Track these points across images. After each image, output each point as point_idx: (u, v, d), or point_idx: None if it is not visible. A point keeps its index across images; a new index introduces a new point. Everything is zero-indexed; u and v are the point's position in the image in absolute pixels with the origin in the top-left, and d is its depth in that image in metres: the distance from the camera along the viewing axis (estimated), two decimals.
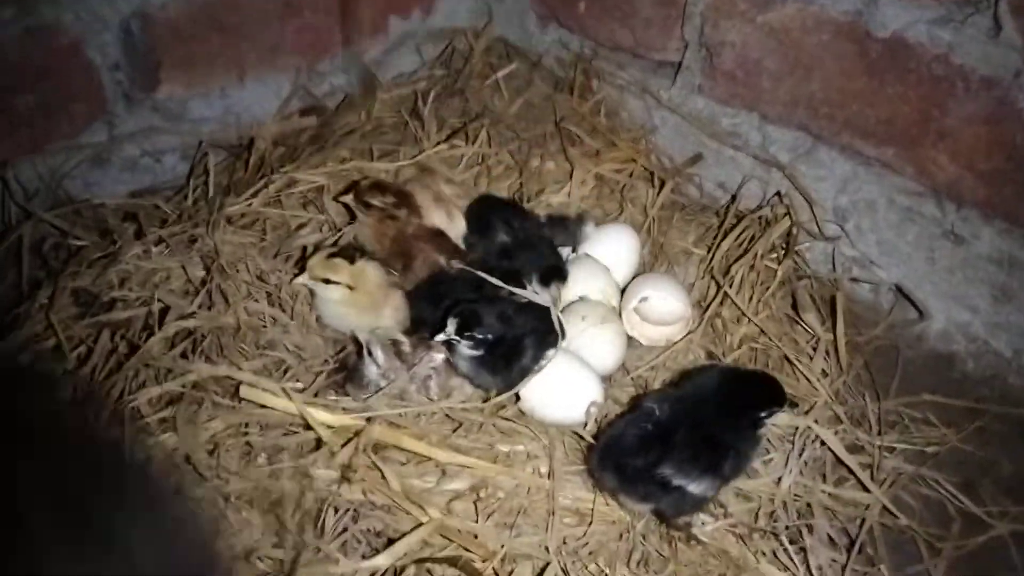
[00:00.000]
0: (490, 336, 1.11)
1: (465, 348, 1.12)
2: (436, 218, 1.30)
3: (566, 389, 1.15)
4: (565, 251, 1.37)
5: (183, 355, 1.06)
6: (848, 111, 1.30)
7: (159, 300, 1.07)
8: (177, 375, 1.02)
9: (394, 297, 1.21)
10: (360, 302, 1.15)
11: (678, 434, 0.96)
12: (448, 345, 1.13)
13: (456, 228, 1.33)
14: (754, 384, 1.08)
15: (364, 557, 0.91)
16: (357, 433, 0.95)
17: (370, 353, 1.07)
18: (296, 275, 1.15)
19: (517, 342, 1.13)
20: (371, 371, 1.08)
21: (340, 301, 1.14)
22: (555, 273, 1.27)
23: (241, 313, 1.10)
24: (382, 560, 0.89)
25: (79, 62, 1.33)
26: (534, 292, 1.21)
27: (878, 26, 1.23)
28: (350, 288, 1.13)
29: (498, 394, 1.12)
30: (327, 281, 1.13)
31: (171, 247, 1.15)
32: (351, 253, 1.15)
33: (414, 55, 1.72)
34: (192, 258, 1.14)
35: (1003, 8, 1.10)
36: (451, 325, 1.11)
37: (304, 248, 1.26)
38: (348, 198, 1.25)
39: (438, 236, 1.27)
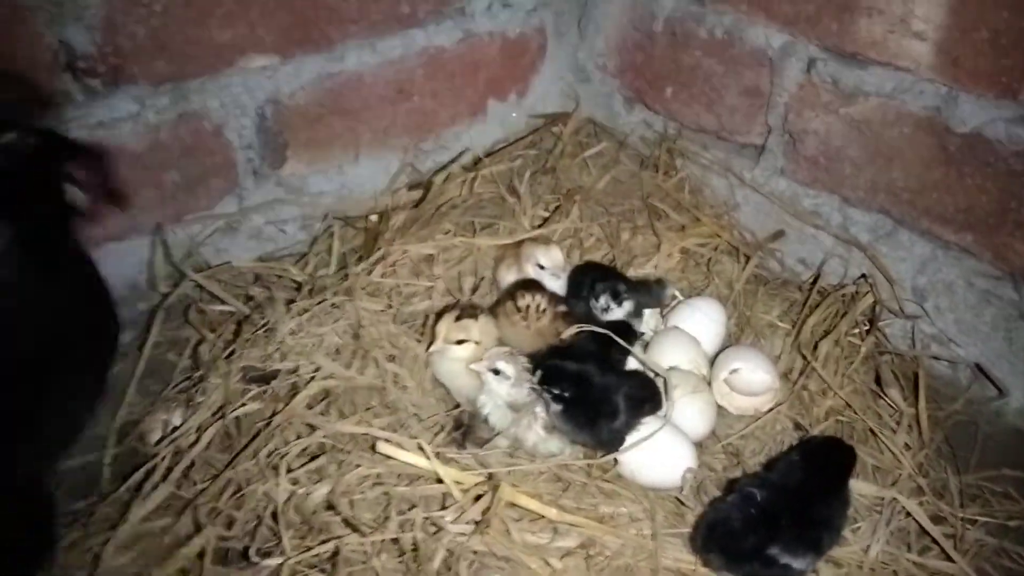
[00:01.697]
0: (567, 393, 1.20)
1: (549, 400, 1.21)
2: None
3: (663, 455, 1.23)
4: (649, 313, 1.48)
5: (321, 413, 1.18)
6: (928, 198, 1.39)
7: (312, 363, 1.19)
8: (318, 430, 1.13)
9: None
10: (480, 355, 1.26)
11: (782, 516, 1.05)
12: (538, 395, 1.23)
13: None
14: (837, 456, 1.16)
15: None
16: (493, 489, 1.05)
17: (497, 372, 1.19)
18: (430, 343, 1.26)
19: (602, 403, 1.22)
20: (501, 388, 1.20)
21: (468, 358, 1.25)
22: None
23: (372, 375, 1.22)
24: None
25: (219, 143, 1.48)
26: (640, 356, 1.31)
27: (957, 122, 1.32)
28: (477, 343, 1.24)
29: (602, 456, 1.22)
30: (459, 342, 1.24)
31: (316, 316, 1.27)
32: (473, 312, 1.27)
33: (509, 134, 1.85)
34: (338, 325, 1.26)
35: None
36: (537, 376, 1.21)
37: (425, 315, 1.38)
38: (501, 273, 1.42)
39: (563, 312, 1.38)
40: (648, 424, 1.24)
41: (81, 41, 1.28)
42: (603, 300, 1.38)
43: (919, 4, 1.29)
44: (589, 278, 1.43)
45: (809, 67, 1.47)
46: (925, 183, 1.39)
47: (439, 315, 1.30)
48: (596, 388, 1.22)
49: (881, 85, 1.39)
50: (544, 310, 1.33)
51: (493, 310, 1.37)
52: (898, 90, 1.37)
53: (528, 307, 1.32)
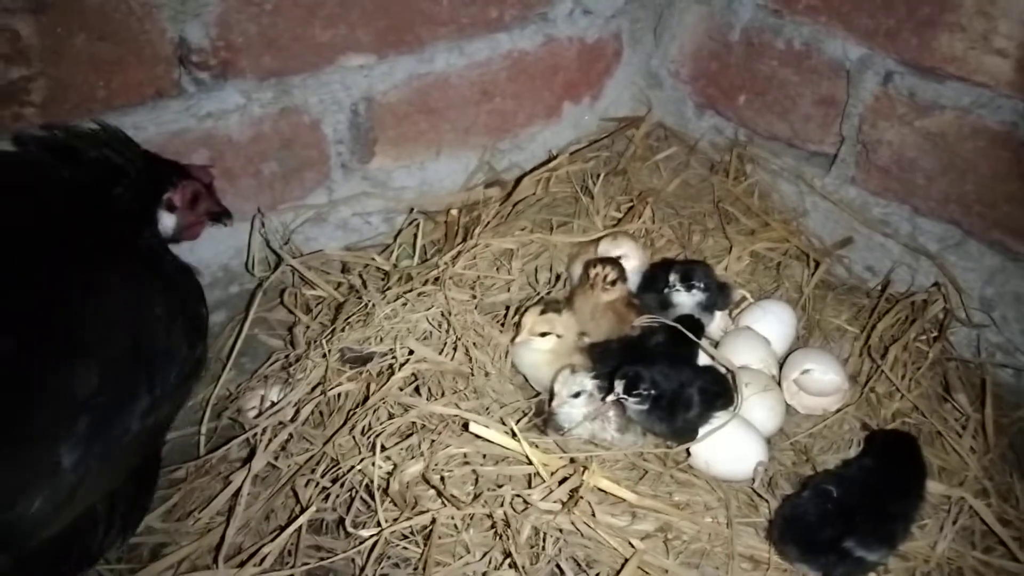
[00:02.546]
0: (652, 392, 1.25)
1: (633, 404, 1.27)
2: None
3: (735, 448, 1.28)
4: (719, 315, 1.53)
5: (412, 394, 1.25)
6: (999, 211, 1.43)
7: (405, 347, 1.27)
8: (411, 409, 1.21)
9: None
10: (561, 350, 1.32)
11: (857, 511, 1.10)
12: (618, 402, 1.28)
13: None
14: (908, 451, 1.21)
15: None
16: (580, 471, 1.11)
17: (578, 394, 1.25)
18: (515, 335, 1.33)
19: (679, 397, 1.27)
20: (576, 403, 1.26)
21: (550, 350, 1.31)
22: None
23: (459, 360, 1.29)
24: None
25: (316, 136, 1.56)
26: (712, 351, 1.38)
27: None
28: (559, 337, 1.31)
29: (676, 446, 1.27)
30: (543, 335, 1.30)
31: (409, 302, 1.35)
32: (557, 306, 1.33)
33: (582, 136, 1.91)
34: (430, 312, 1.33)
35: None
36: (619, 386, 1.26)
37: (504, 306, 1.44)
38: (575, 269, 1.47)
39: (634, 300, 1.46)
40: (720, 418, 1.29)
41: (197, 36, 1.36)
42: (673, 278, 1.44)
43: (1003, 21, 1.33)
44: (665, 268, 1.49)
45: (886, 80, 1.51)
46: (998, 196, 1.42)
47: (524, 309, 1.37)
48: (673, 385, 1.27)
49: (958, 99, 1.42)
50: (613, 281, 1.39)
51: (571, 297, 1.44)
52: (975, 104, 1.41)
53: (597, 275, 1.39)
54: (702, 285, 1.44)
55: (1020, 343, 1.45)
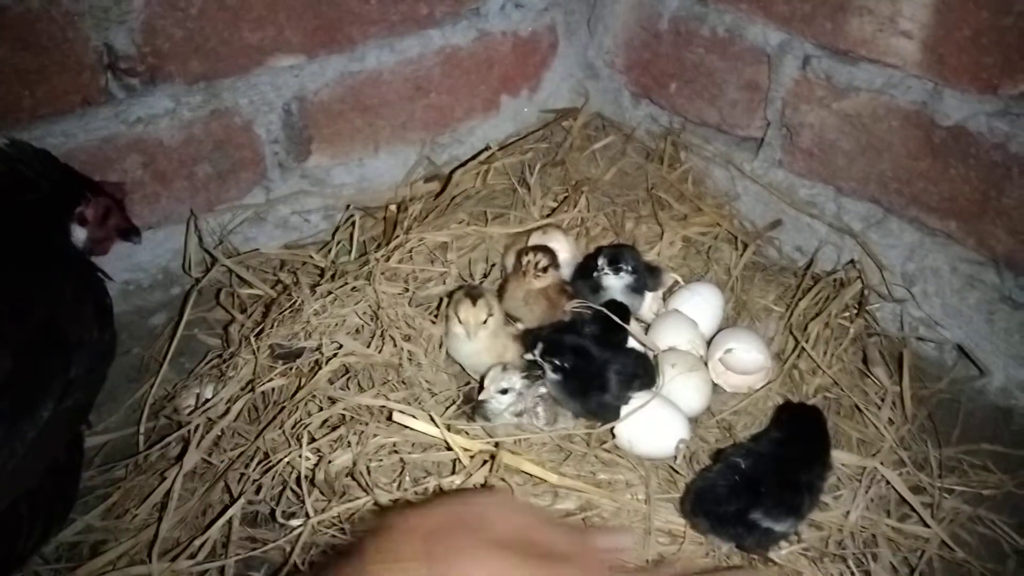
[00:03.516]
0: (566, 364, 1.30)
1: (548, 370, 1.31)
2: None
3: (658, 426, 1.32)
4: (652, 297, 1.57)
5: (342, 388, 1.28)
6: (915, 188, 1.46)
7: (334, 342, 1.30)
8: (339, 402, 1.24)
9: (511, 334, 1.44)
10: (496, 336, 1.37)
11: (764, 483, 1.14)
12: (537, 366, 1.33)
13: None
14: (813, 425, 1.25)
15: None
16: (492, 457, 1.15)
17: (505, 391, 1.28)
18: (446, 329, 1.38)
19: (596, 376, 1.32)
20: (503, 400, 1.29)
21: (490, 333, 1.35)
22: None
23: (389, 352, 1.32)
24: None
25: (249, 137, 1.58)
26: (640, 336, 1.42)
27: (942, 116, 1.39)
28: (490, 315, 1.35)
29: (600, 427, 1.31)
30: (485, 321, 1.34)
31: (338, 298, 1.38)
32: (480, 291, 1.38)
33: (521, 129, 1.94)
34: (359, 307, 1.36)
35: None
36: (538, 349, 1.31)
37: (439, 298, 1.47)
38: (509, 259, 1.50)
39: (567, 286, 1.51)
40: (641, 397, 1.32)
41: (123, 43, 1.39)
42: (601, 262, 1.47)
43: (906, 4, 1.36)
44: (595, 255, 1.52)
45: (804, 64, 1.54)
46: (912, 174, 1.46)
47: (447, 303, 1.40)
48: (591, 362, 1.31)
49: (871, 81, 1.46)
50: (545, 268, 1.44)
51: (504, 285, 1.49)
52: (887, 86, 1.44)
53: (528, 263, 1.43)
54: (629, 268, 1.48)
55: (940, 317, 1.49)
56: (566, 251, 1.57)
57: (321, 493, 1.19)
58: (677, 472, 1.26)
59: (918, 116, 1.42)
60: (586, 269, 1.54)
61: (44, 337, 1.06)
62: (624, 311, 1.43)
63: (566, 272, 1.55)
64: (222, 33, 1.47)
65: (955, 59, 1.36)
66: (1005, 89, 1.32)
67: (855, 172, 1.55)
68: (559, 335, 1.33)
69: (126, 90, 1.44)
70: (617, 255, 1.49)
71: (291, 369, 1.31)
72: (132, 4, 1.37)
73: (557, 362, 1.28)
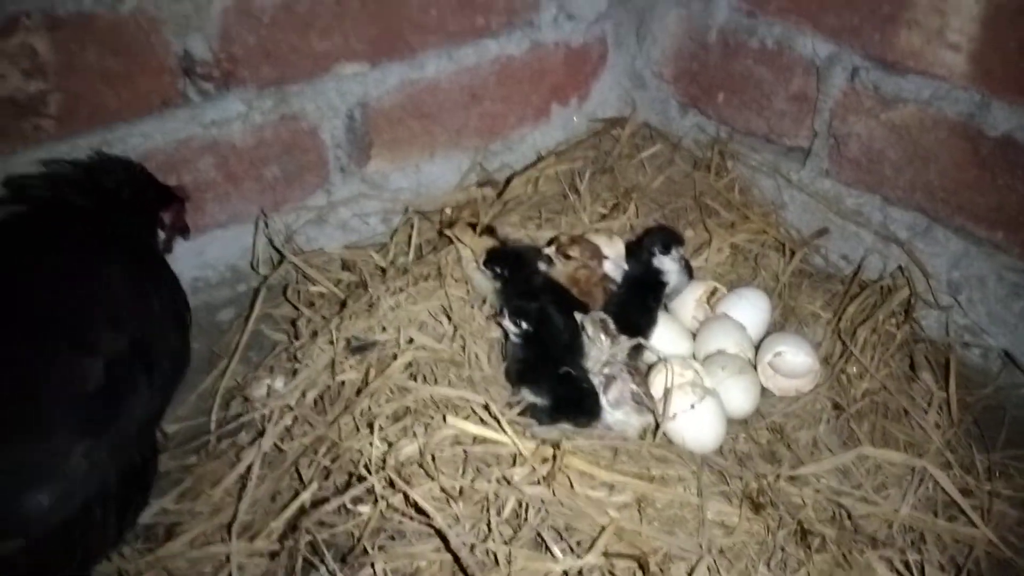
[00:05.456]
0: (528, 329, 1.39)
1: (511, 327, 1.40)
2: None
3: (707, 426, 1.37)
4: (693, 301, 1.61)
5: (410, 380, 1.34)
6: (962, 198, 1.50)
7: (410, 338, 1.37)
8: (410, 392, 1.30)
9: None
10: None
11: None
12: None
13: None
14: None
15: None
16: (554, 455, 1.20)
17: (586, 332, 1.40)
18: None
19: (547, 351, 1.40)
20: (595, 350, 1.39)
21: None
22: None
23: (455, 350, 1.38)
24: (591, 557, 1.12)
25: (314, 142, 1.65)
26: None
27: (989, 127, 1.43)
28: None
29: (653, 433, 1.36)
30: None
31: (410, 295, 1.45)
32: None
33: (571, 137, 1.99)
34: (430, 304, 1.43)
35: None
36: (508, 309, 1.41)
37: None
38: (551, 249, 1.56)
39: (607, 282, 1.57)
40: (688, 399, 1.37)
41: (200, 49, 1.46)
42: (648, 243, 1.56)
43: (954, 18, 1.40)
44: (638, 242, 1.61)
45: (853, 75, 1.59)
46: (959, 184, 1.49)
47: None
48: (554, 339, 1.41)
49: (919, 92, 1.50)
50: (567, 254, 1.52)
51: None
52: (935, 97, 1.48)
53: (556, 245, 1.53)
54: (679, 252, 1.57)
55: (985, 324, 1.53)
56: (612, 251, 1.61)
57: (388, 480, 1.24)
58: (728, 473, 1.30)
59: (965, 127, 1.46)
60: (637, 254, 1.59)
61: (132, 352, 1.12)
62: (659, 285, 1.55)
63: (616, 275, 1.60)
64: (292, 41, 1.54)
65: (1002, 71, 1.40)
66: None
67: (902, 182, 1.58)
68: (531, 304, 1.41)
69: (201, 94, 1.50)
70: (666, 238, 1.56)
71: (361, 361, 1.36)
72: (211, 12, 1.44)
73: (521, 325, 1.38)
